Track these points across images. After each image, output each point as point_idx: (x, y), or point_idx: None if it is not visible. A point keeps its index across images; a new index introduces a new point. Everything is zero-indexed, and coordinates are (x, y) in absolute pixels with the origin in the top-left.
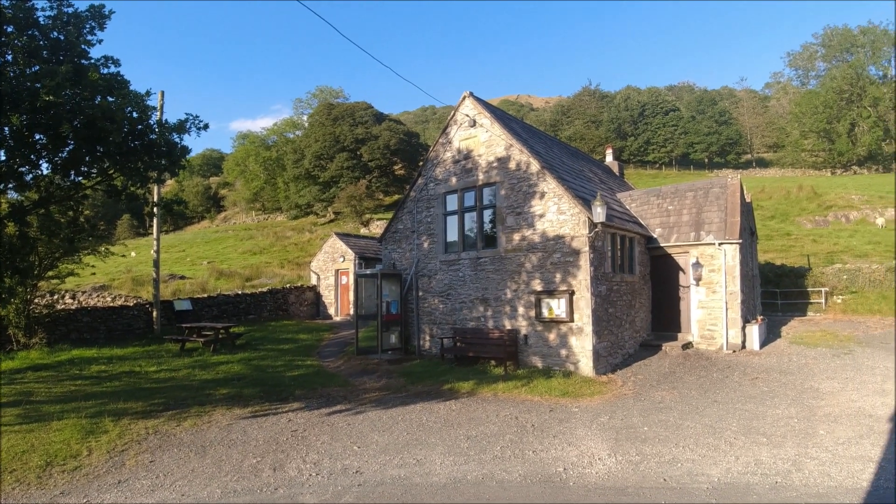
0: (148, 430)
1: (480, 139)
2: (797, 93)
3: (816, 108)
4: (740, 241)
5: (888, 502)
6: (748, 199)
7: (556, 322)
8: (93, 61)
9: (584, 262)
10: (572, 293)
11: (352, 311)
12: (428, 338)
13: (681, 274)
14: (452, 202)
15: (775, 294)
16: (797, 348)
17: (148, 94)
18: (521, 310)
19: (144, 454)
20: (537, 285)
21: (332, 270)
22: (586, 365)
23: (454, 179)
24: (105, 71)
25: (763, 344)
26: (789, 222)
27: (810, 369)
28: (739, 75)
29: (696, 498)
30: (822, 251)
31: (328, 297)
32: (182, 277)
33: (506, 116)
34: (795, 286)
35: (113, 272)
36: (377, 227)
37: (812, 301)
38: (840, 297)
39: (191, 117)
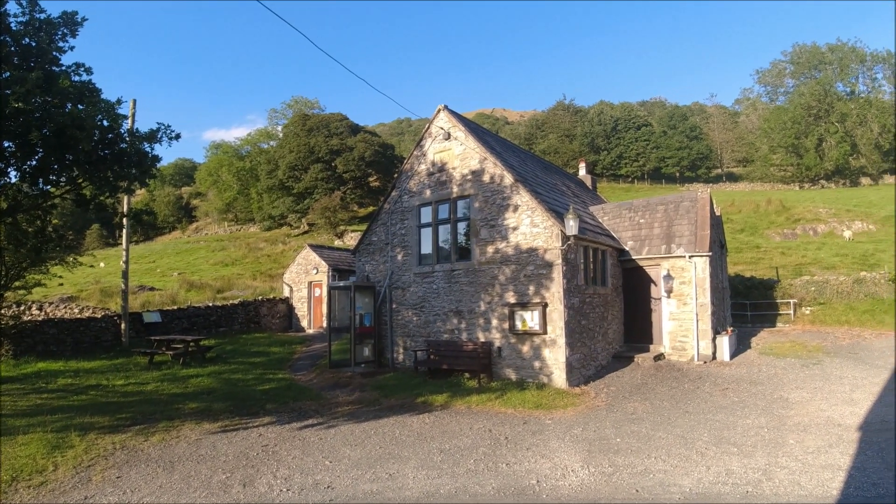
0: (115, 444)
1: (455, 152)
2: (766, 109)
3: (785, 123)
4: (710, 253)
5: None
6: (718, 213)
7: (529, 334)
8: (64, 68)
9: (558, 274)
10: (545, 305)
11: (325, 324)
12: (402, 350)
13: (652, 286)
14: (427, 214)
15: (745, 306)
16: (767, 359)
17: (119, 102)
18: (494, 322)
19: (111, 469)
20: (511, 297)
21: (305, 282)
22: (559, 377)
23: (428, 192)
24: (76, 79)
25: (733, 355)
26: (758, 235)
27: (780, 379)
28: (710, 91)
29: None
30: (791, 263)
31: (301, 309)
32: (152, 289)
33: (480, 130)
34: (765, 298)
35: (81, 283)
36: (351, 239)
37: (781, 312)
38: (808, 308)
39: (162, 127)
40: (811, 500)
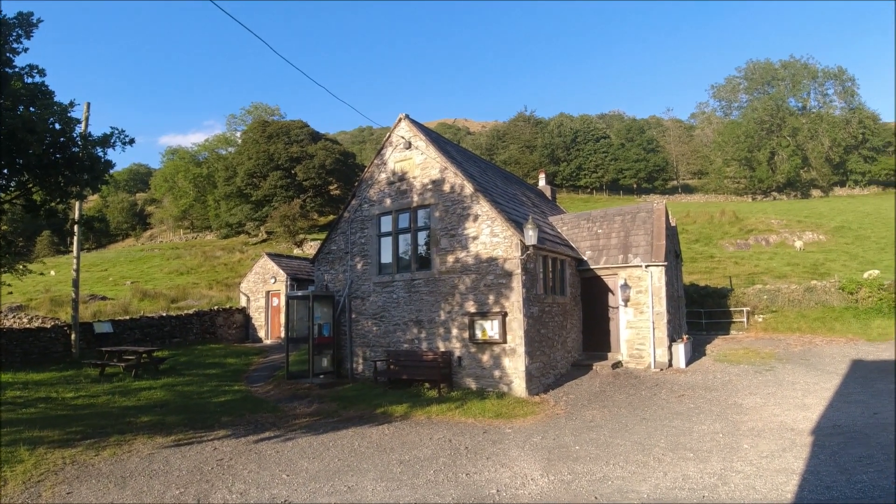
0: (65, 459)
1: (415, 161)
2: (721, 123)
3: (738, 137)
4: (666, 263)
5: None
6: (673, 224)
7: (489, 343)
8: (17, 70)
9: (517, 283)
10: (505, 314)
11: (283, 334)
12: (361, 361)
13: (610, 295)
14: (387, 223)
15: (700, 314)
16: (721, 366)
17: (72, 105)
18: (454, 331)
19: (62, 485)
20: (471, 307)
21: (262, 292)
22: (519, 386)
23: (389, 201)
24: (29, 80)
25: (689, 362)
26: (713, 245)
27: (734, 386)
28: (666, 105)
29: None
30: (744, 273)
31: (258, 319)
32: (103, 298)
33: (441, 139)
34: (719, 306)
35: (31, 291)
36: (311, 248)
37: (735, 320)
38: (761, 316)
39: (116, 131)
40: (766, 503)
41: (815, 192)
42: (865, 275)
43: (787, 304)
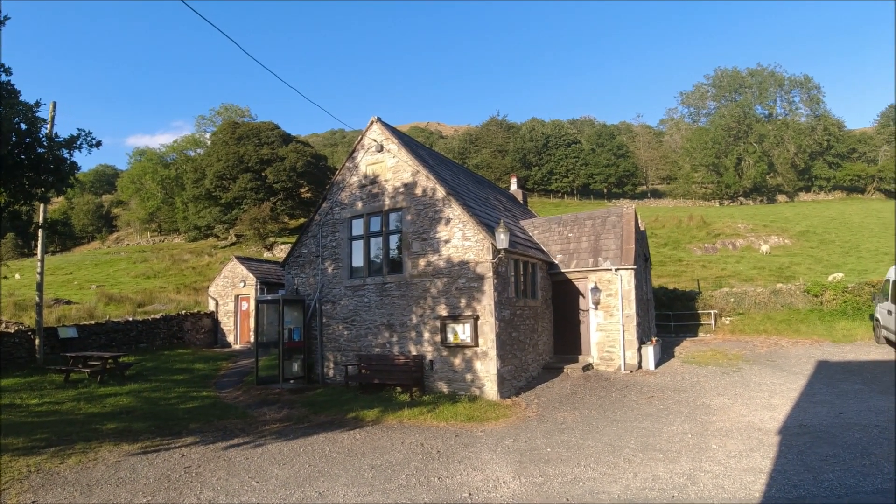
0: (30, 467)
1: (387, 164)
2: (689, 129)
3: (706, 143)
4: (635, 266)
5: None
6: (642, 228)
7: (461, 347)
8: None
9: (489, 287)
10: (477, 318)
11: (252, 339)
12: (332, 365)
13: (580, 298)
14: (358, 227)
15: (668, 316)
16: (690, 367)
17: (38, 104)
18: (426, 335)
19: (26, 493)
20: (443, 310)
21: (231, 296)
22: (491, 389)
23: (360, 204)
24: None
25: (658, 364)
26: (681, 249)
27: (702, 387)
28: (636, 111)
29: None
30: (712, 276)
31: (227, 324)
32: (68, 302)
33: (413, 143)
34: (687, 309)
35: None
36: (281, 252)
37: (703, 322)
38: (728, 318)
39: (83, 133)
40: (735, 502)
41: (781, 198)
42: (830, 278)
43: (753, 307)
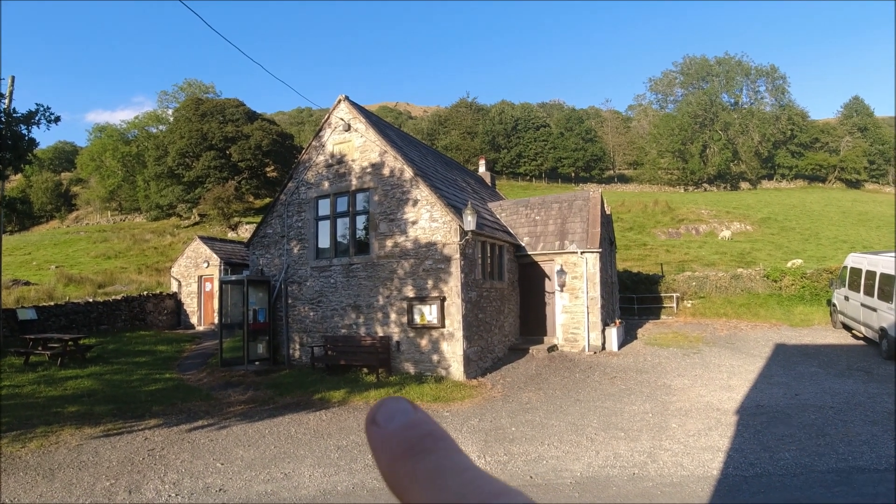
0: None
1: (355, 144)
2: (656, 115)
3: (673, 130)
4: (600, 250)
5: (737, 488)
6: (608, 212)
7: (428, 328)
8: None
9: (456, 268)
10: (444, 299)
11: (216, 320)
12: (298, 347)
13: (547, 281)
14: (325, 207)
15: (632, 299)
16: (652, 349)
17: None
18: (393, 316)
19: None
20: (410, 292)
21: (195, 276)
22: (457, 369)
23: (327, 184)
24: None
25: (621, 345)
26: (646, 234)
27: (663, 368)
28: (605, 96)
29: (561, 492)
30: (675, 260)
31: (190, 305)
32: (27, 283)
33: (381, 123)
34: (650, 292)
35: None
36: (246, 232)
37: (665, 305)
38: (690, 301)
39: (41, 108)
40: (693, 479)
41: (744, 185)
42: (789, 264)
43: (714, 291)
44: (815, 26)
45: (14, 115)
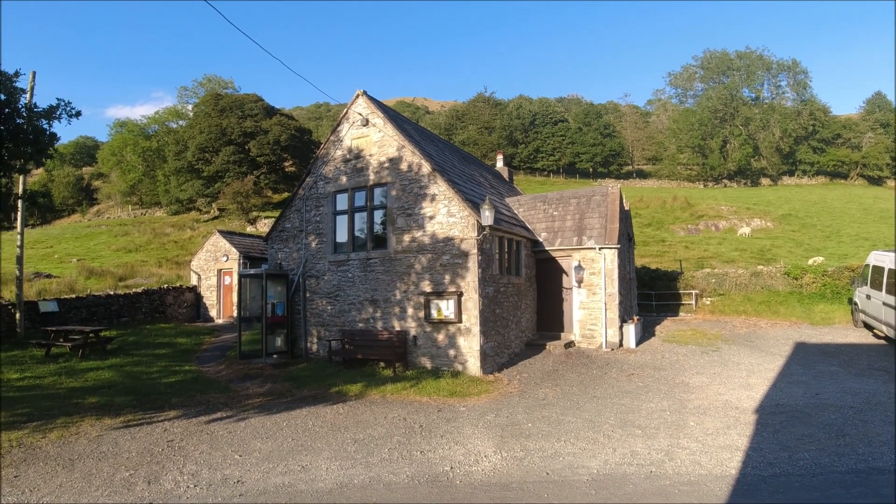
0: (11, 442)
1: (372, 139)
2: (676, 110)
3: (692, 125)
4: (619, 245)
5: (755, 488)
6: (627, 207)
7: (444, 323)
8: None
9: (473, 263)
10: (461, 294)
11: (235, 314)
12: (315, 340)
13: (564, 276)
14: (342, 201)
15: (650, 296)
16: (670, 346)
17: (17, 74)
18: (410, 311)
19: (8, 468)
20: (427, 286)
21: (214, 270)
22: (474, 365)
23: (344, 178)
24: None
25: (639, 342)
26: (664, 230)
27: (681, 365)
28: (624, 91)
29: (577, 489)
30: (694, 257)
31: (210, 298)
32: (48, 276)
33: (399, 117)
34: (668, 289)
35: None
36: (264, 226)
37: (684, 302)
38: (709, 298)
39: (62, 103)
40: (711, 478)
41: (765, 181)
42: (810, 261)
43: (733, 288)
44: (838, 20)
45: (35, 109)
